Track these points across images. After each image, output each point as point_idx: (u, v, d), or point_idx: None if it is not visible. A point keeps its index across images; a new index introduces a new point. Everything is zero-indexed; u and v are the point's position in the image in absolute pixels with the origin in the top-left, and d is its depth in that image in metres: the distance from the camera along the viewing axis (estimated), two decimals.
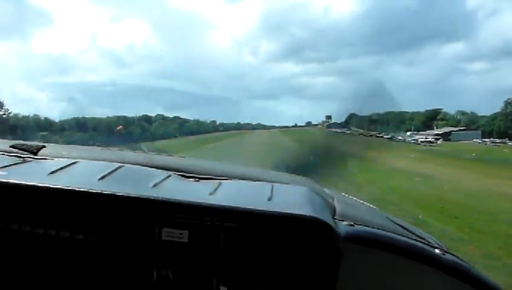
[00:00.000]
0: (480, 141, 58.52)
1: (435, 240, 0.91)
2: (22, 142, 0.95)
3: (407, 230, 0.84)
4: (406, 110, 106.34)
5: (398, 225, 0.87)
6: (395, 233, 0.74)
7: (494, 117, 79.74)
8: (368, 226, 0.73)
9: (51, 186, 0.65)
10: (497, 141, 55.11)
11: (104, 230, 0.65)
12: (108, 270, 0.65)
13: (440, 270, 0.71)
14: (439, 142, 52.34)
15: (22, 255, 0.65)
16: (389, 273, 0.70)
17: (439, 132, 71.86)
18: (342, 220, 0.74)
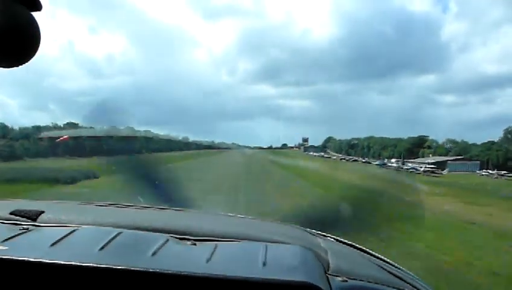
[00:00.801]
0: (484, 173, 50.48)
1: (426, 286, 0.93)
2: (23, 204, 0.97)
3: (401, 279, 0.86)
4: (387, 136, 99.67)
5: (391, 273, 0.89)
6: (386, 285, 0.78)
7: (488, 147, 73.35)
8: (360, 280, 0.77)
9: (54, 261, 0.66)
10: (502, 172, 47.48)
11: None
12: None
13: None
14: (444, 172, 43.93)
15: None
16: None
17: (432, 161, 63.70)
18: (336, 275, 0.76)
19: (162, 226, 0.91)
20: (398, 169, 56.81)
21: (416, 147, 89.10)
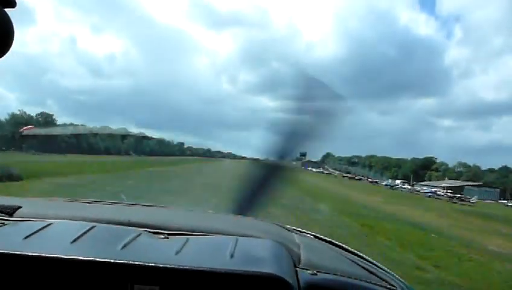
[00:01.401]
0: (510, 204, 45.27)
1: (399, 281, 0.92)
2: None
3: (371, 273, 0.87)
4: (390, 156, 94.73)
5: (363, 268, 0.89)
6: (357, 278, 0.78)
7: (504, 174, 68.49)
8: (331, 273, 0.77)
9: (26, 253, 0.68)
10: None
11: None
12: None
13: None
14: (473, 200, 38.48)
15: None
16: None
17: (446, 185, 58.27)
18: (306, 269, 0.77)
19: (137, 220, 0.92)
20: (411, 192, 52.05)
21: (422, 169, 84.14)
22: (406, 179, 77.05)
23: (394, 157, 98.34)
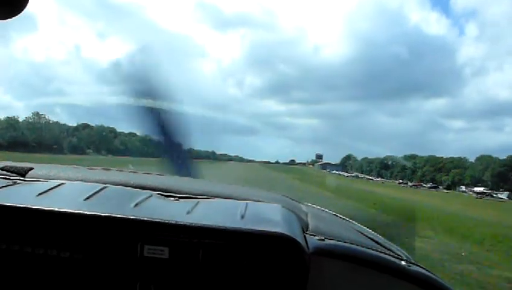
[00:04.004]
0: None
1: (404, 252, 0.94)
2: (10, 164, 1.02)
3: (377, 243, 0.88)
4: (441, 155, 75.67)
5: (369, 238, 0.91)
6: (363, 246, 0.78)
7: None
8: (338, 240, 0.78)
9: (40, 207, 0.69)
10: None
11: (90, 248, 0.69)
12: (94, 286, 0.69)
13: (407, 281, 0.74)
14: None
15: (11, 272, 0.69)
16: (357, 286, 0.74)
17: None
18: (313, 235, 0.78)
19: (147, 184, 0.94)
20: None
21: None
22: (477, 183, 57.93)
23: (446, 157, 78.13)
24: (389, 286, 0.75)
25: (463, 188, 59.32)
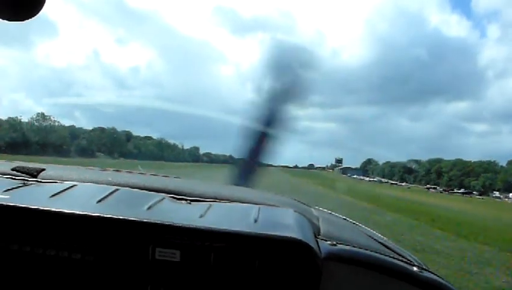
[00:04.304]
0: None
1: (415, 258, 0.93)
2: (23, 164, 1.01)
3: (388, 248, 0.87)
4: (463, 158, 71.39)
5: (380, 243, 0.90)
6: (375, 251, 0.78)
7: None
8: (349, 245, 0.77)
9: (52, 209, 0.70)
10: None
11: (101, 250, 0.69)
12: (105, 288, 0.69)
13: (419, 287, 0.74)
14: None
15: (23, 273, 0.70)
16: None
17: None
18: (325, 240, 0.78)
19: (159, 187, 0.94)
20: None
21: None
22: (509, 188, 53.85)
23: (474, 160, 73.67)
24: None
25: (496, 193, 55.18)
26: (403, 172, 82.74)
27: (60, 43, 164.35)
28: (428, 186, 63.16)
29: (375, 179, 67.61)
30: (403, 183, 68.04)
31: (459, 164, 71.07)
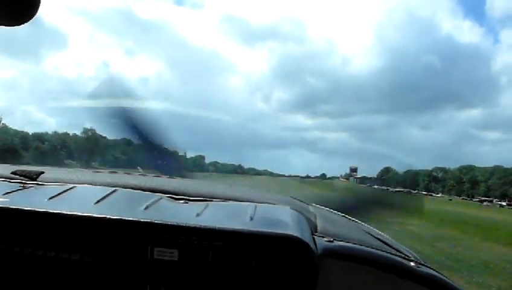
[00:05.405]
0: None
1: (412, 253, 0.93)
2: (22, 168, 1.03)
3: (386, 244, 0.87)
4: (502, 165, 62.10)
5: (377, 239, 0.90)
6: (372, 247, 0.78)
7: None
8: (346, 242, 0.78)
9: (51, 211, 0.71)
10: None
11: (101, 251, 0.70)
12: (105, 288, 0.70)
13: (416, 282, 0.74)
14: None
15: (23, 275, 0.70)
16: (365, 287, 0.75)
17: None
18: (322, 237, 0.78)
19: (157, 187, 0.96)
20: None
21: None
22: None
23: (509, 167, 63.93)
24: (397, 287, 0.75)
25: None
26: (428, 181, 73.28)
27: (70, 54, 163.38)
28: (481, 198, 54.10)
29: (403, 190, 59.20)
30: (439, 195, 58.98)
31: (498, 171, 61.87)
